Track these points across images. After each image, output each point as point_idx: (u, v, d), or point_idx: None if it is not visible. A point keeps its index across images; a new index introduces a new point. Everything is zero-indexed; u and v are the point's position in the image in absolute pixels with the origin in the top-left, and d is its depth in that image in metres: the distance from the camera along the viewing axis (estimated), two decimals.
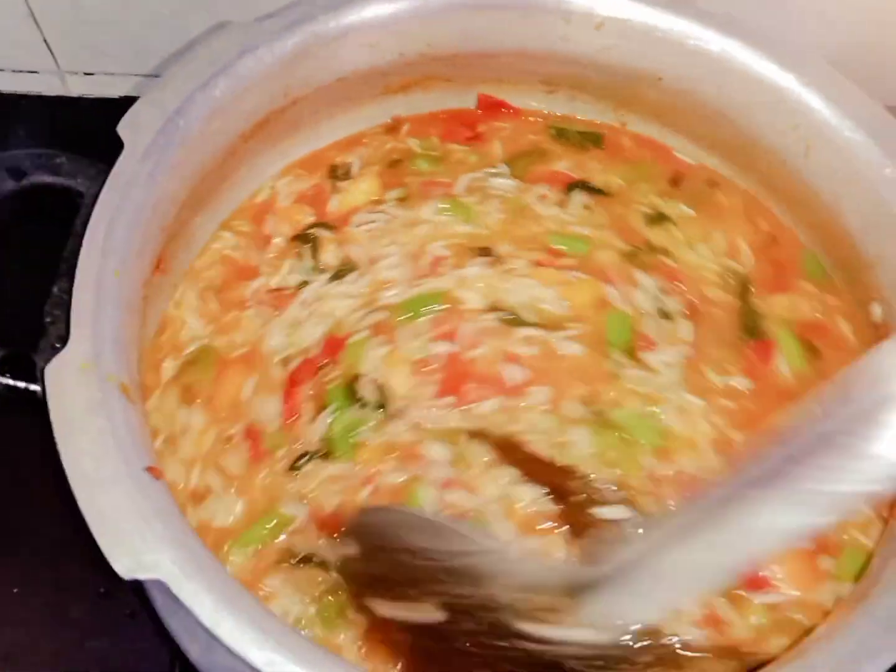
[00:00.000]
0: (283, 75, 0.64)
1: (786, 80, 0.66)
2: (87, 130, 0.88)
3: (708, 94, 0.70)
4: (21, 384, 0.52)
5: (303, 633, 0.52)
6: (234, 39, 0.61)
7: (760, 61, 0.67)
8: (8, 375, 0.52)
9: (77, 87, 0.97)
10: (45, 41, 0.92)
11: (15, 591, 0.73)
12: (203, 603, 0.44)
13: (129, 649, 0.72)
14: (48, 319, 0.53)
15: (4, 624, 0.72)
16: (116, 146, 0.59)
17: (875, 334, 0.67)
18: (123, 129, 0.56)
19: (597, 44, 0.71)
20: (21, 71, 0.94)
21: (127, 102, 0.94)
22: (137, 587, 0.65)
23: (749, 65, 0.67)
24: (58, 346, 0.52)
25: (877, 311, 0.67)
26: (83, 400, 0.48)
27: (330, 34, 0.64)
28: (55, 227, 0.57)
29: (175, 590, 0.44)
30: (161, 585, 0.46)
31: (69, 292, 0.53)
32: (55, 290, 0.55)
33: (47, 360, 0.50)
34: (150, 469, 0.48)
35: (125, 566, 0.44)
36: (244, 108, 0.63)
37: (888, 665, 0.47)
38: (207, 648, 0.52)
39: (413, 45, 0.69)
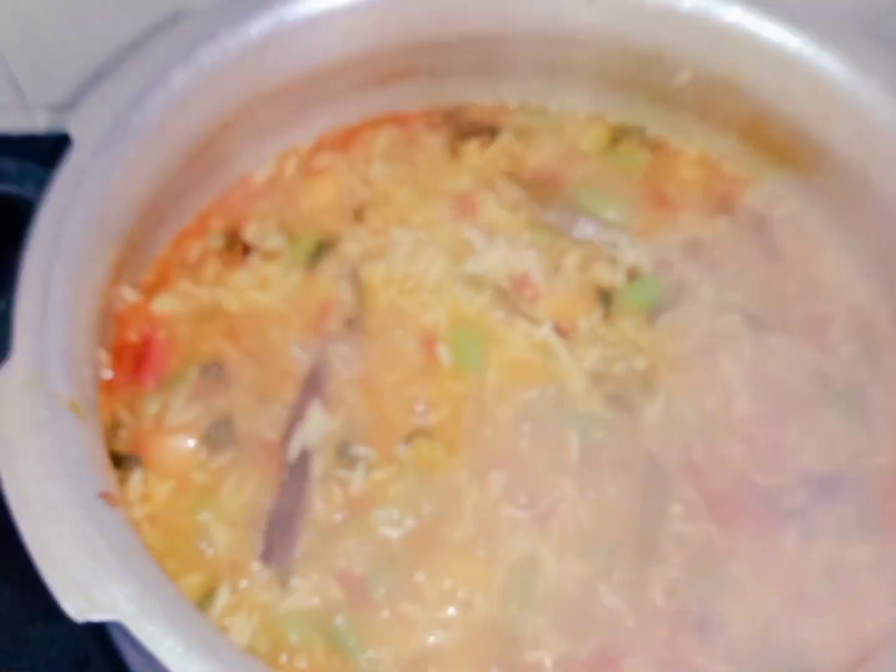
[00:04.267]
0: (248, 66, 0.62)
1: (796, 43, 0.65)
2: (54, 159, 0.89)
3: (713, 66, 0.69)
4: None
5: None
6: (192, 28, 0.60)
7: (766, 24, 0.65)
8: None
9: (45, 122, 0.97)
10: (10, 74, 0.91)
11: None
12: (166, 645, 0.40)
13: None
14: None
15: None
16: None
17: None
18: (74, 124, 0.55)
19: (590, 20, 0.69)
20: None
21: None
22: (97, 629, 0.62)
23: (753, 29, 0.66)
24: None
25: None
26: (26, 418, 0.45)
27: (298, 20, 0.63)
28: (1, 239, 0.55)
29: (135, 632, 0.40)
30: (121, 628, 0.42)
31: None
32: (2, 305, 0.52)
33: None
34: (104, 495, 0.45)
35: (77, 607, 0.41)
36: (207, 102, 0.62)
37: None
38: None
39: (390, 31, 0.67)
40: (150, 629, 0.41)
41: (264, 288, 0.66)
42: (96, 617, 0.41)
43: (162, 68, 0.58)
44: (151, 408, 0.60)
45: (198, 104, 0.61)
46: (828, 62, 0.64)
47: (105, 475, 0.47)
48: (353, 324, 0.65)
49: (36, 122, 0.97)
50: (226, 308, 0.65)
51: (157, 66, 0.58)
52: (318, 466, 0.59)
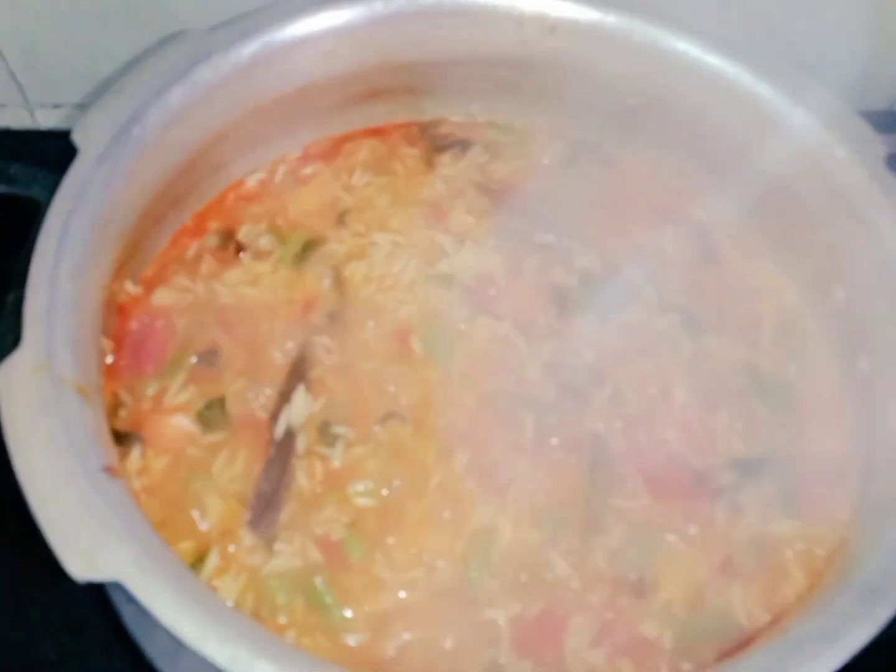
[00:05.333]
0: (240, 84, 0.63)
1: (734, 71, 0.66)
2: (55, 158, 0.88)
3: (662, 90, 0.70)
4: None
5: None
6: (189, 48, 0.60)
7: (710, 56, 0.67)
8: None
9: (46, 120, 0.96)
10: (11, 73, 0.91)
11: None
12: (160, 600, 0.42)
13: None
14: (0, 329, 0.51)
15: None
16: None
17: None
18: (78, 135, 0.55)
19: (551, 48, 0.71)
20: None
21: None
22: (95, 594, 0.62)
23: (697, 58, 0.67)
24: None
25: (839, 294, 0.66)
26: (36, 400, 0.46)
27: (285, 42, 0.63)
28: (10, 237, 0.55)
29: (132, 589, 0.42)
30: (123, 592, 0.43)
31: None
32: (10, 299, 0.53)
33: None
34: (107, 468, 0.46)
35: (79, 567, 0.42)
36: (203, 117, 0.62)
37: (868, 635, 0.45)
38: (173, 656, 0.50)
39: (369, 53, 0.68)
40: (146, 588, 0.42)
41: (255, 284, 0.67)
42: (97, 577, 0.42)
43: (160, 85, 0.58)
44: (150, 390, 0.61)
45: (194, 118, 0.61)
46: (762, 88, 0.66)
47: (108, 451, 0.47)
48: (335, 317, 0.66)
49: (38, 121, 0.97)
50: (220, 301, 0.66)
51: (155, 83, 0.58)
52: (301, 444, 0.60)
